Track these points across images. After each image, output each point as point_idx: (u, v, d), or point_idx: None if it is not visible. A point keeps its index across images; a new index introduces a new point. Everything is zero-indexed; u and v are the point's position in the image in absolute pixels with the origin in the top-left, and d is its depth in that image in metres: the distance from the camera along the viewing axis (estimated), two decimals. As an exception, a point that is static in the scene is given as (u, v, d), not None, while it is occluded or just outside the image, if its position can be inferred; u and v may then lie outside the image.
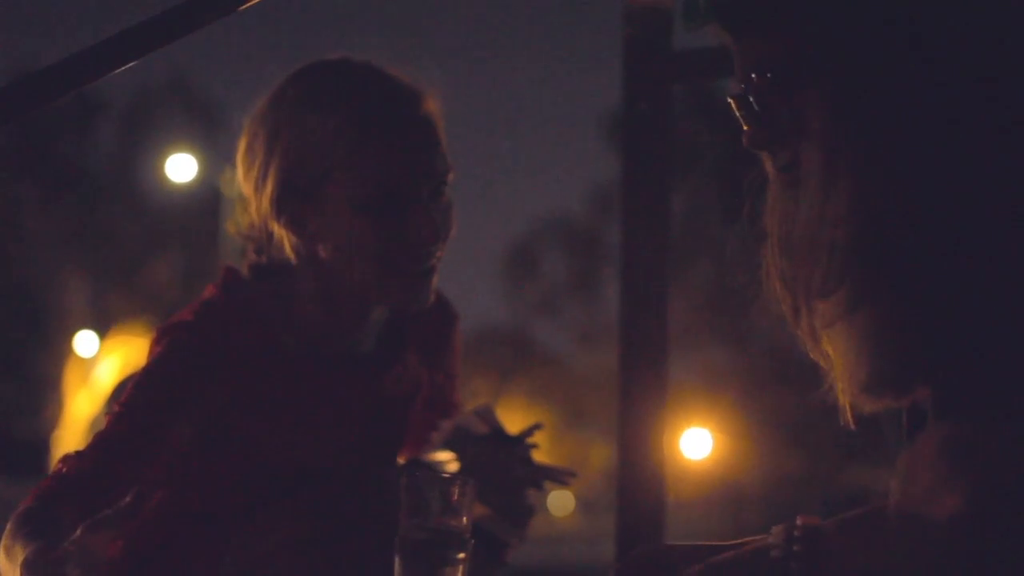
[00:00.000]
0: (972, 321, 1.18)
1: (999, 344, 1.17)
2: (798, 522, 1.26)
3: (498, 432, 1.84)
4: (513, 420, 2.01)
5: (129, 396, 1.74)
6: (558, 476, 1.85)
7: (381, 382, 1.86)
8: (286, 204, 1.77)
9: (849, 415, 1.31)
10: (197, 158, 17.71)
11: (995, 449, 1.11)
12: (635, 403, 2.37)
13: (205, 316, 1.79)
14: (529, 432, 1.86)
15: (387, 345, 1.89)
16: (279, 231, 1.79)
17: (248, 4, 1.43)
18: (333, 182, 1.75)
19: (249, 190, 1.80)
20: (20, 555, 1.50)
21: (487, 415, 1.85)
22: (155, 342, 1.79)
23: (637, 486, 2.36)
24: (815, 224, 1.24)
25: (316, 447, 1.81)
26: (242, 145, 1.81)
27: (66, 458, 1.69)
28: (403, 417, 1.90)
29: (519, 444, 1.84)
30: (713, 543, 1.35)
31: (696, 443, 14.85)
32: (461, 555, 1.42)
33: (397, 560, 1.42)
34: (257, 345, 1.79)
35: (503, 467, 1.81)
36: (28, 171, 20.68)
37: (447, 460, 1.82)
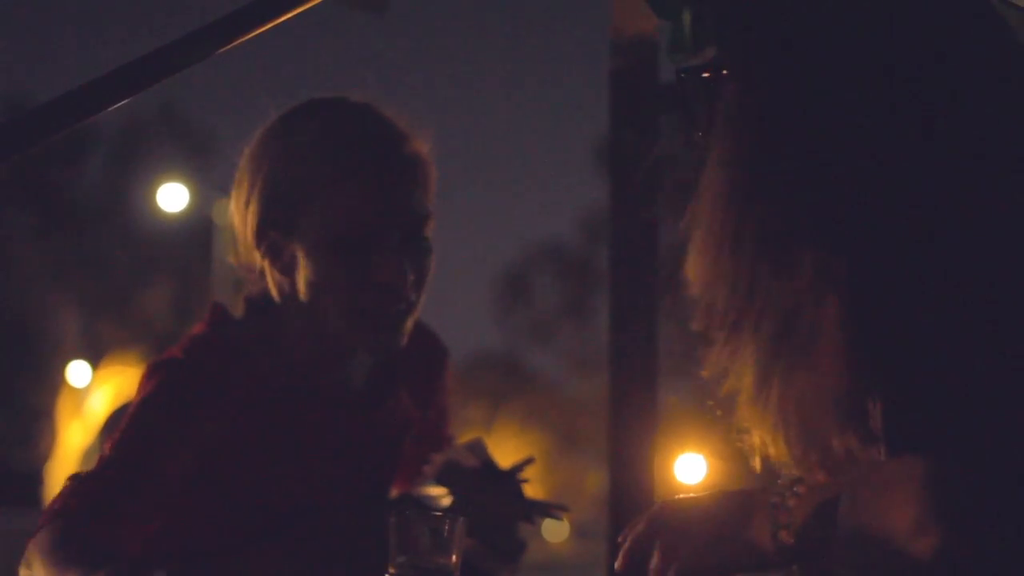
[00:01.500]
0: (906, 363, 1.15)
1: (939, 379, 1.14)
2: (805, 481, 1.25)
3: (489, 466, 1.84)
4: (506, 447, 2.02)
5: (121, 435, 1.73)
6: (549, 510, 1.85)
7: (372, 418, 1.87)
8: (264, 235, 1.78)
9: (757, 461, 1.28)
10: (189, 187, 17.70)
11: (974, 486, 1.10)
12: (626, 429, 2.39)
13: (194, 353, 1.79)
14: (520, 467, 1.86)
15: (378, 381, 1.89)
16: (260, 262, 1.81)
17: (240, 40, 1.45)
18: (307, 217, 1.76)
19: (237, 220, 1.82)
20: None
21: (478, 449, 1.85)
22: (145, 379, 1.79)
23: (629, 512, 2.37)
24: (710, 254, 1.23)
25: (306, 484, 1.81)
26: (235, 178, 1.83)
27: (70, 493, 1.69)
28: (394, 453, 1.90)
29: (510, 478, 1.84)
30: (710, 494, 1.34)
31: (690, 468, 14.81)
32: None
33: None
34: (245, 382, 1.79)
35: (494, 502, 1.81)
36: (19, 200, 20.67)
37: (438, 495, 1.82)
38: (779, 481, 1.25)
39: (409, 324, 1.80)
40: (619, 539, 1.35)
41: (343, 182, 1.74)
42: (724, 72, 1.26)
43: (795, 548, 1.21)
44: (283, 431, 1.80)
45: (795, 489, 1.23)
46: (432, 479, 1.84)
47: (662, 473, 2.43)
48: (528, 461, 1.87)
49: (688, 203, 1.30)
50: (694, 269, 1.26)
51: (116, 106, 1.44)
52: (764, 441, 1.26)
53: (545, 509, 1.85)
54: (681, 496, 1.33)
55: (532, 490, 1.90)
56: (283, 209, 1.76)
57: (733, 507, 1.27)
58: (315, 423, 1.82)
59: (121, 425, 1.74)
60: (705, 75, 1.28)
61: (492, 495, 1.81)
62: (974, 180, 1.19)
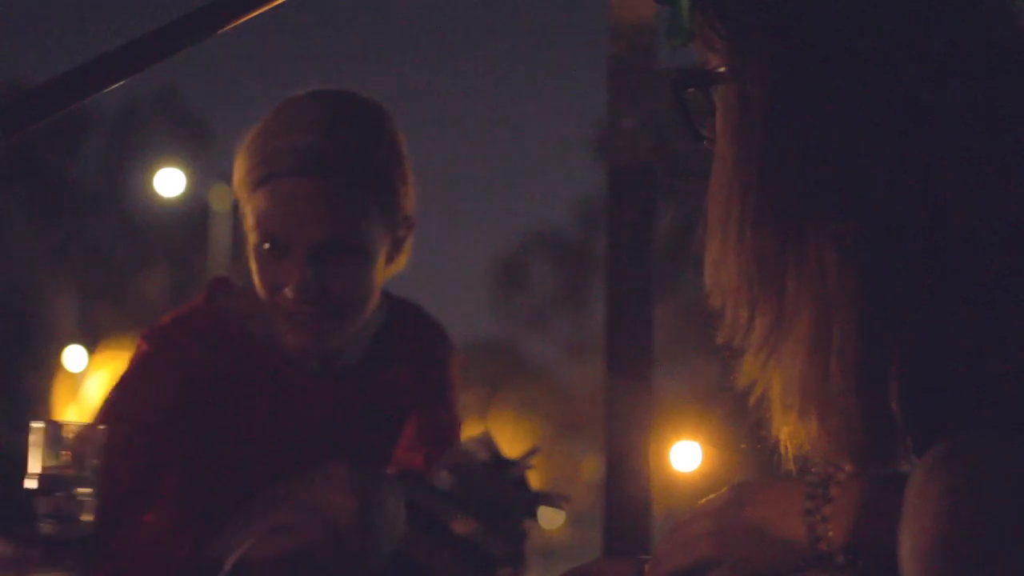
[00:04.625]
0: (914, 347, 1.13)
1: (947, 366, 1.12)
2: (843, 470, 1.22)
3: (498, 459, 1.86)
4: (503, 433, 2.03)
5: (120, 406, 1.74)
6: (553, 500, 1.88)
7: (365, 394, 1.88)
8: (241, 205, 1.82)
9: (789, 454, 1.25)
10: (186, 172, 17.69)
11: (961, 475, 1.06)
12: (621, 416, 2.39)
13: (184, 319, 1.81)
14: (527, 456, 1.87)
15: (373, 359, 1.89)
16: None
17: (237, 22, 1.45)
18: (248, 206, 1.80)
19: None
20: None
21: (488, 442, 1.87)
22: (137, 348, 1.81)
23: (624, 499, 2.37)
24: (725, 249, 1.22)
25: (296, 459, 1.81)
26: None
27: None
28: (390, 431, 1.91)
29: (516, 469, 1.86)
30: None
31: (686, 455, 14.86)
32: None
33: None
34: (237, 356, 1.80)
35: (501, 492, 1.83)
36: (15, 186, 20.64)
37: (447, 484, 1.83)
38: (808, 479, 1.22)
39: (336, 329, 1.79)
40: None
41: (262, 187, 1.76)
42: (722, 71, 1.26)
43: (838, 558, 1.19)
44: (272, 405, 1.81)
45: (829, 493, 1.20)
46: (442, 470, 1.85)
47: (658, 460, 2.44)
48: (534, 451, 1.88)
49: (685, 191, 1.30)
50: (715, 277, 1.25)
51: (112, 88, 1.43)
52: (794, 434, 1.24)
53: (548, 499, 1.87)
54: (693, 511, 1.31)
55: (529, 477, 1.91)
56: (241, 192, 1.81)
57: (741, 505, 1.25)
58: (305, 398, 1.83)
59: (117, 398, 1.74)
60: (701, 75, 1.28)
61: (499, 486, 1.83)
62: (991, 154, 1.18)
